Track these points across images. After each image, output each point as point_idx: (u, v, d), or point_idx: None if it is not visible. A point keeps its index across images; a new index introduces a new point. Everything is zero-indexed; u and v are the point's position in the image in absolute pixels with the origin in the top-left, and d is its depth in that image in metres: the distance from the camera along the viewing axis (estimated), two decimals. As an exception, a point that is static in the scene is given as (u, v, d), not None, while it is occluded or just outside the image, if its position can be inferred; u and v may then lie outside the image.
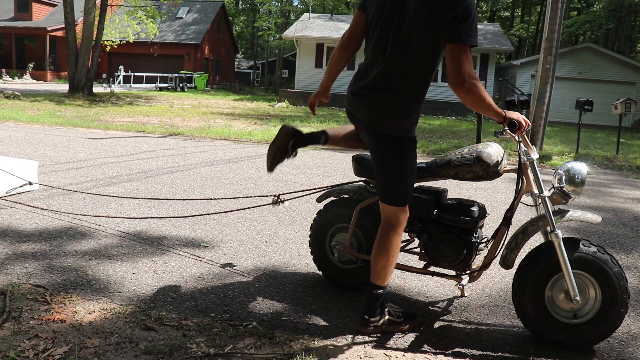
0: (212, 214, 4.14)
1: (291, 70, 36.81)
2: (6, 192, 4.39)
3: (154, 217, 4.08)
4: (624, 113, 10.14)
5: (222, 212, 4.08)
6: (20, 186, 4.52)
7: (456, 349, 2.33)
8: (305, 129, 13.06)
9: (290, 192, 3.48)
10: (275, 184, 5.69)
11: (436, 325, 2.56)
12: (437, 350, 2.31)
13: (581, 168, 2.43)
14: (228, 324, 2.40)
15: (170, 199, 4.57)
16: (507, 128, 2.30)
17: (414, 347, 2.31)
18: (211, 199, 4.06)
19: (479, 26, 27.14)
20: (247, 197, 4.01)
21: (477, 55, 21.97)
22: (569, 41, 35.53)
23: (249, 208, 4.08)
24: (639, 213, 5.36)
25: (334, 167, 7.12)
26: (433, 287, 3.04)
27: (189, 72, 31.93)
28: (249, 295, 2.76)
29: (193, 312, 2.52)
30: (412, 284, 3.06)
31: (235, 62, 46.84)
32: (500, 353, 2.32)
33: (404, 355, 2.24)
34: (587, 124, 17.87)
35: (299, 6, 42.01)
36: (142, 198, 4.65)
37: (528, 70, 23.02)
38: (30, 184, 4.43)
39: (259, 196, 3.94)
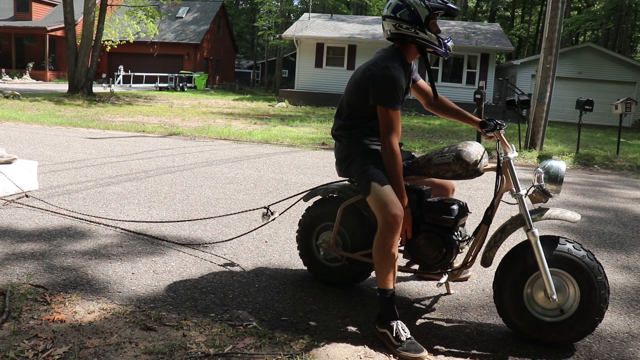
0: (208, 218, 4.14)
1: (291, 70, 36.80)
2: (2, 197, 4.37)
3: (152, 222, 4.08)
4: (625, 113, 10.13)
5: (217, 216, 4.08)
6: (18, 198, 4.45)
7: (456, 349, 2.32)
8: (305, 128, 13.00)
9: (278, 202, 3.46)
10: (275, 184, 5.69)
11: (436, 325, 2.55)
12: (437, 350, 2.30)
13: (559, 166, 2.44)
14: (228, 324, 2.40)
15: (171, 221, 4.57)
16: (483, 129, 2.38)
17: (414, 347, 2.31)
18: (201, 219, 4.05)
19: (479, 26, 26.98)
20: (238, 212, 4.00)
21: (477, 55, 21.99)
22: (569, 41, 35.52)
23: (236, 213, 4.07)
24: (639, 213, 5.36)
25: (334, 167, 7.11)
26: (433, 287, 3.04)
27: (189, 72, 31.92)
28: (249, 295, 2.76)
29: (193, 312, 2.52)
30: (413, 284, 3.06)
31: (235, 62, 46.83)
32: (500, 353, 2.31)
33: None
34: (588, 124, 17.87)
35: (299, 6, 42.01)
36: (151, 221, 4.64)
37: (528, 70, 23.02)
38: (27, 196, 4.34)
39: (250, 210, 3.86)
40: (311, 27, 23.69)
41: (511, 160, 2.45)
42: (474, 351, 2.32)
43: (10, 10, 32.31)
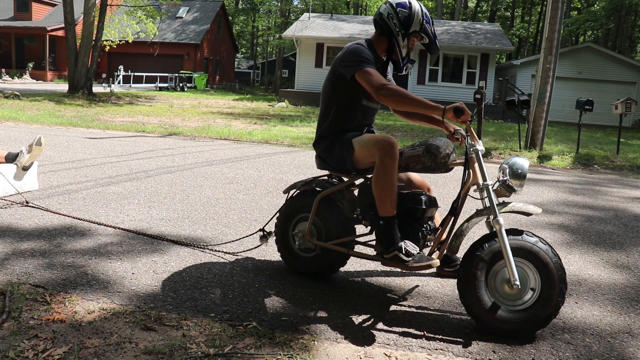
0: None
1: (291, 70, 36.81)
2: (3, 196, 4.37)
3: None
4: (625, 113, 10.14)
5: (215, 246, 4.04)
6: (16, 198, 4.45)
7: (456, 349, 2.32)
8: (305, 128, 13.02)
9: (271, 219, 3.45)
10: (275, 184, 5.69)
11: (436, 324, 2.55)
12: (437, 350, 2.30)
13: (523, 163, 2.56)
14: (228, 324, 2.40)
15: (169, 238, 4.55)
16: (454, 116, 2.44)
17: (414, 347, 2.31)
18: (198, 246, 4.02)
19: (479, 26, 27.09)
20: (235, 240, 3.99)
21: (477, 55, 21.99)
22: (569, 41, 35.52)
23: (232, 241, 4.06)
24: (639, 213, 5.36)
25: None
26: (433, 287, 3.04)
27: (189, 71, 31.93)
28: (249, 295, 2.76)
29: (193, 312, 2.52)
30: (412, 284, 3.06)
31: (235, 62, 46.83)
32: (500, 353, 2.31)
33: (404, 355, 2.24)
34: (588, 124, 17.88)
35: (299, 6, 42.00)
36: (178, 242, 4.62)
37: (528, 70, 23.03)
38: (27, 202, 4.31)
39: (246, 236, 3.65)
40: (311, 27, 23.70)
41: (479, 152, 2.53)
42: (474, 351, 2.32)
43: (10, 10, 32.32)
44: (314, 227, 2.93)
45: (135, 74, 28.44)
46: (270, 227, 3.47)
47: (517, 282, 2.34)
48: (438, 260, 2.54)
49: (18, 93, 16.51)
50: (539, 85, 10.13)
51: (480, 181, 2.51)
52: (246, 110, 17.31)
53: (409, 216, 2.67)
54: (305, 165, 7.15)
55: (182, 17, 36.57)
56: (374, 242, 2.92)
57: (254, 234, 3.67)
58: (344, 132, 2.80)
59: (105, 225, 3.82)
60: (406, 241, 2.56)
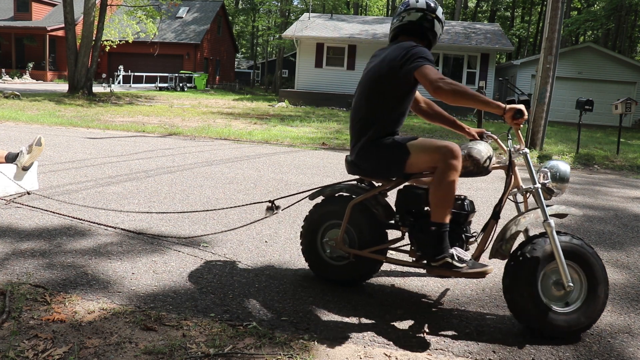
0: (209, 210, 4.13)
1: (291, 70, 36.81)
2: (3, 196, 4.37)
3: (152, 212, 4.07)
4: (625, 113, 10.14)
5: (217, 209, 4.07)
6: (19, 195, 4.47)
7: (456, 349, 2.32)
8: (305, 128, 13.01)
9: (285, 197, 3.48)
10: (275, 184, 5.69)
11: (436, 324, 2.55)
12: (437, 350, 2.30)
13: (566, 167, 2.61)
14: (228, 324, 2.40)
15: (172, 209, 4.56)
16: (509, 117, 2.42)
17: (414, 347, 2.31)
18: (209, 210, 4.05)
19: (479, 26, 27.08)
20: (243, 205, 4.01)
21: (477, 55, 21.99)
22: (569, 41, 35.52)
23: (241, 205, 4.08)
24: (639, 213, 5.36)
25: (334, 167, 7.12)
26: (433, 286, 3.04)
27: (189, 71, 31.92)
28: (249, 295, 2.75)
29: (193, 312, 2.52)
30: (412, 284, 3.06)
31: (235, 62, 46.83)
32: (500, 353, 2.31)
33: (404, 355, 2.24)
34: (588, 124, 17.88)
35: (299, 6, 42.00)
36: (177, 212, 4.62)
37: (528, 70, 23.02)
38: (29, 193, 4.35)
39: (256, 202, 3.93)
40: (311, 27, 23.70)
41: (528, 155, 2.54)
42: (474, 351, 2.32)
43: (10, 10, 32.31)
44: (345, 235, 2.84)
45: (135, 74, 28.44)
46: (279, 203, 3.40)
47: (571, 284, 2.37)
48: (492, 267, 2.50)
49: (18, 93, 16.51)
50: (539, 85, 10.13)
51: (522, 186, 2.56)
52: (246, 110, 17.31)
53: (452, 221, 2.60)
54: (305, 165, 7.15)
55: (182, 17, 36.56)
56: (404, 248, 2.87)
57: (262, 202, 3.68)
58: (390, 136, 2.67)
59: (105, 225, 3.82)
60: (456, 248, 2.51)
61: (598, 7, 32.58)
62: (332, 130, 12.09)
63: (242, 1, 51.52)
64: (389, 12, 44.14)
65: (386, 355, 2.23)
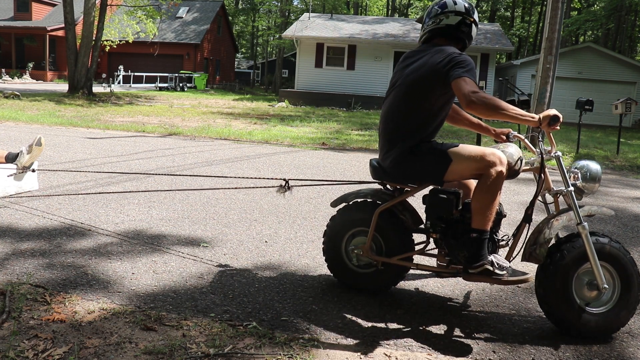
0: (219, 188, 4.13)
1: (291, 70, 36.80)
2: (3, 196, 4.37)
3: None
4: (625, 113, 10.14)
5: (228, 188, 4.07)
6: (19, 195, 4.49)
7: (456, 349, 2.32)
8: (305, 128, 12.98)
9: (300, 179, 3.48)
10: (275, 184, 5.69)
11: (436, 324, 2.55)
12: (437, 350, 2.30)
13: (597, 167, 2.60)
14: (228, 324, 2.40)
15: (179, 175, 4.57)
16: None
17: (414, 347, 2.31)
18: (219, 176, 4.05)
19: (479, 26, 27.24)
20: (256, 178, 4.01)
21: (477, 55, 21.98)
22: (569, 41, 35.52)
23: (256, 178, 4.07)
24: (639, 213, 5.36)
25: (334, 167, 7.12)
26: (433, 287, 3.04)
27: (189, 72, 31.92)
28: (249, 295, 2.76)
29: (193, 312, 2.52)
30: (412, 284, 3.06)
31: (235, 62, 46.83)
32: (500, 353, 2.31)
33: (404, 355, 2.24)
34: (588, 124, 17.88)
35: (299, 6, 42.00)
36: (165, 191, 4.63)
37: (528, 70, 23.02)
38: (34, 170, 4.34)
39: (268, 178, 3.99)
40: (311, 27, 23.69)
41: (560, 158, 2.54)
42: (474, 351, 2.32)
43: (10, 10, 32.30)
44: (372, 242, 2.77)
45: (135, 74, 28.42)
46: (292, 183, 3.28)
47: (606, 285, 2.39)
48: (531, 274, 2.49)
49: (18, 93, 16.50)
50: (539, 85, 10.13)
51: (552, 188, 2.58)
52: (246, 110, 17.31)
53: None
54: (305, 165, 7.15)
55: (182, 17, 36.56)
56: (431, 253, 2.85)
57: (276, 178, 3.68)
58: (427, 143, 2.60)
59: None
60: (495, 254, 2.48)
61: (598, 7, 32.57)
62: (332, 130, 12.09)
63: (242, 1, 51.51)
64: (389, 12, 44.16)
65: (386, 355, 2.23)
